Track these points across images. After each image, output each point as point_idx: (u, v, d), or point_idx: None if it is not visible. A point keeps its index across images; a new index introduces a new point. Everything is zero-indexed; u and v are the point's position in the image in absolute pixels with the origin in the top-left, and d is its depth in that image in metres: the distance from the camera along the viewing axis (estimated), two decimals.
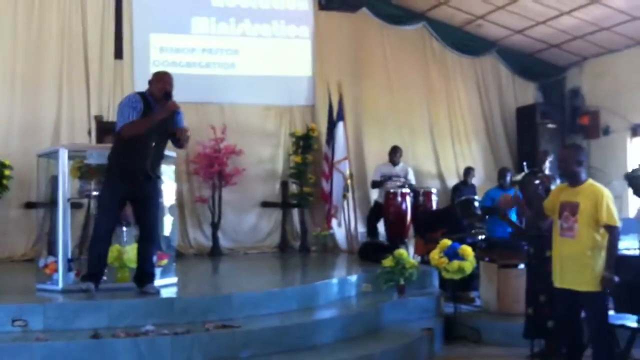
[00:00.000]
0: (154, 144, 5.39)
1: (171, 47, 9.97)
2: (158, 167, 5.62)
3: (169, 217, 6.32)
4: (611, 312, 5.17)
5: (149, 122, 5.33)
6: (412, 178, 9.36)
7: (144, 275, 5.55)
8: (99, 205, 5.58)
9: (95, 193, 5.88)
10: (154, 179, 5.54)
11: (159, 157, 5.60)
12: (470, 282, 7.60)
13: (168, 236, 6.43)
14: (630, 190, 8.26)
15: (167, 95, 5.42)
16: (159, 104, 5.42)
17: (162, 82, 5.48)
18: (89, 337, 4.61)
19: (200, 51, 10.09)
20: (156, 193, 5.63)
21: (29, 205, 8.73)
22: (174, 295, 5.55)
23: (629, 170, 8.41)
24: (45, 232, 7.72)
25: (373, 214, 9.36)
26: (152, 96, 5.48)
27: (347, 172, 9.43)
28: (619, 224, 4.69)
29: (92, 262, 5.46)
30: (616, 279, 4.64)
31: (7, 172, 8.47)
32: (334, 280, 6.47)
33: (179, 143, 5.55)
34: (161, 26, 9.93)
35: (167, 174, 6.19)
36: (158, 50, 9.89)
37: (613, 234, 4.66)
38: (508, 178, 8.38)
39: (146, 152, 5.37)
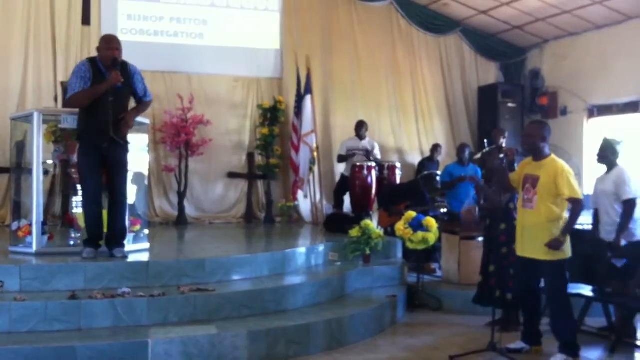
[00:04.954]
0: (111, 110, 5.35)
1: (139, 14, 9.89)
2: (123, 132, 5.58)
3: (141, 185, 6.36)
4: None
5: (93, 94, 5.31)
6: (377, 153, 9.48)
7: (113, 238, 5.63)
8: (79, 172, 5.62)
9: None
10: (122, 145, 5.56)
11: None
12: (431, 254, 7.90)
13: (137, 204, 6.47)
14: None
15: (115, 62, 5.38)
16: (109, 70, 5.39)
17: (108, 48, 5.43)
18: (66, 298, 4.70)
19: (168, 20, 10.02)
20: (125, 159, 5.63)
21: None
22: (148, 260, 5.61)
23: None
24: (10, 196, 7.63)
25: (340, 187, 9.50)
26: (102, 62, 5.45)
27: (314, 145, 9.50)
28: (581, 197, 4.94)
29: (89, 227, 5.55)
30: (564, 244, 4.88)
31: None
32: (303, 249, 6.62)
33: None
34: None
35: (141, 142, 6.22)
36: (126, 18, 9.81)
37: (576, 206, 4.89)
38: (467, 153, 8.63)
39: (106, 117, 5.34)
